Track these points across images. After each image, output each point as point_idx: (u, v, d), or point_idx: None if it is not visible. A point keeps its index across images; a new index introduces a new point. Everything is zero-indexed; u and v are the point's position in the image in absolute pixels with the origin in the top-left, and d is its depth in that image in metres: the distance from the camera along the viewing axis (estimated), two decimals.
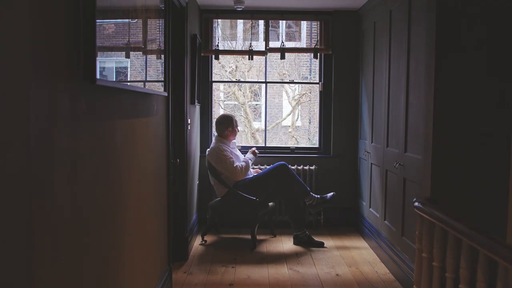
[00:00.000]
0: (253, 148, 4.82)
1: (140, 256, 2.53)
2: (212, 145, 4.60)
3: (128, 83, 2.25)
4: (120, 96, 2.07)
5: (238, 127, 4.69)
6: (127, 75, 2.27)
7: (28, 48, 1.23)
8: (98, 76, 1.59)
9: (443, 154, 2.94)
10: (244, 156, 4.69)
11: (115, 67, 2.08)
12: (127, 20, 2.12)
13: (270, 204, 4.66)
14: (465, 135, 2.95)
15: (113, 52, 2.01)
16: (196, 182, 4.84)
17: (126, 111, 2.20)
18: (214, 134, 4.79)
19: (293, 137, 9.52)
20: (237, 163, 4.44)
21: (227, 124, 4.59)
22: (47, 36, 1.35)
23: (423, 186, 3.08)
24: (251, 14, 5.07)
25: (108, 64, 1.95)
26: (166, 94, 2.98)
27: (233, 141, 4.70)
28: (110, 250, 1.99)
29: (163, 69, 2.94)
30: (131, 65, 2.31)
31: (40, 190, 1.31)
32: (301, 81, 9.81)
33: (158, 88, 2.89)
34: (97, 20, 1.61)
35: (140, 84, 2.53)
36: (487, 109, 2.95)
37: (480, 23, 2.92)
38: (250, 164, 4.56)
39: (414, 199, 2.46)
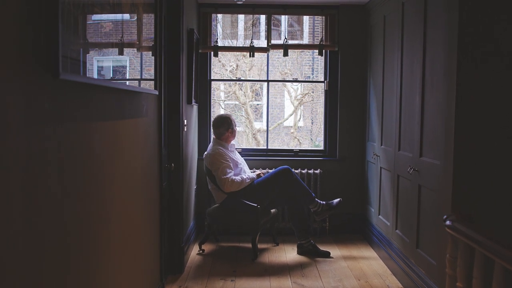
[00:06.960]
0: (259, 172, 4.38)
1: (127, 273, 2.24)
2: (209, 148, 4.30)
3: (110, 80, 1.96)
4: (98, 95, 1.78)
5: (236, 127, 4.39)
6: (125, 74, 2.17)
7: None
8: (91, 73, 1.32)
9: (466, 159, 2.63)
10: (249, 172, 4.33)
11: (112, 66, 1.99)
12: (120, 14, 1.96)
13: (272, 210, 4.37)
14: (491, 138, 2.64)
15: (109, 51, 1.93)
16: (194, 187, 4.55)
17: (108, 111, 1.91)
18: (212, 136, 4.48)
19: (296, 137, 9.21)
20: (230, 174, 4.06)
21: (227, 126, 4.29)
22: None
23: (442, 195, 2.78)
24: (252, 8, 4.78)
25: (105, 63, 1.91)
26: (156, 92, 2.69)
27: (232, 143, 4.40)
28: (90, 267, 1.69)
29: (153, 65, 2.65)
30: (129, 64, 2.23)
31: None
32: (304, 80, 9.50)
33: (150, 86, 2.61)
34: (92, 17, 1.37)
35: (135, 83, 2.34)
36: None
37: (509, 15, 2.62)
38: (247, 183, 4.10)
39: (445, 217, 2.10)
